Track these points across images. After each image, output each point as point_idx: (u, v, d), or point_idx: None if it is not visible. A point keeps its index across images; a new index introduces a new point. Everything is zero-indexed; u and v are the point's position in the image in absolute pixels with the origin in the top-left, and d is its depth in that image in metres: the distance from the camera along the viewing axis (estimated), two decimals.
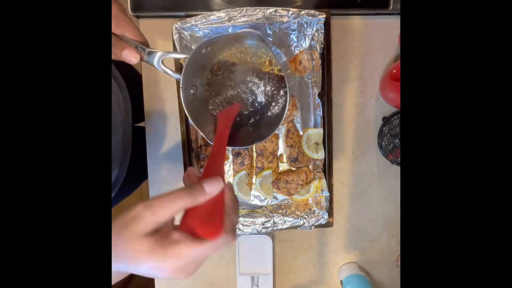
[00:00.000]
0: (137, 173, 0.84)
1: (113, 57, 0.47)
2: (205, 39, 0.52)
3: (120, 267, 0.34)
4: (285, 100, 0.55)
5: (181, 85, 0.51)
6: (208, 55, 0.55)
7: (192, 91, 0.54)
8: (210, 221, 0.34)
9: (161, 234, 0.34)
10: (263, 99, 0.59)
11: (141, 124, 0.82)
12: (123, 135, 0.75)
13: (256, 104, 0.60)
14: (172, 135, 0.73)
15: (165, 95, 0.72)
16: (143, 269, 0.34)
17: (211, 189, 0.35)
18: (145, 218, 0.33)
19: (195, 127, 0.53)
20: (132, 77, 0.87)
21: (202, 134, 0.53)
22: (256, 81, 0.59)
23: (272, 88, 0.60)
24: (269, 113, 0.59)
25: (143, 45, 0.48)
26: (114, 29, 0.45)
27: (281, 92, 0.60)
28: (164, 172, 0.74)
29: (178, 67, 0.65)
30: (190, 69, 0.51)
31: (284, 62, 0.65)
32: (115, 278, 0.36)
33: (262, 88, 0.58)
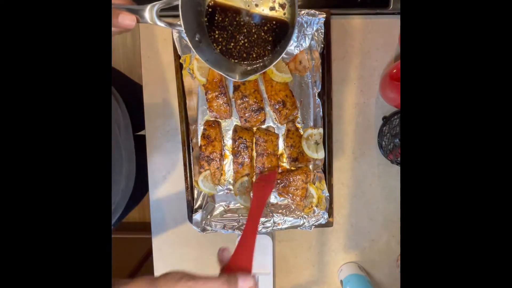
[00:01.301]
0: (140, 186, 0.82)
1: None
2: None
3: None
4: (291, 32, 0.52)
5: (185, 34, 0.49)
6: None
7: (196, 39, 0.52)
8: None
9: None
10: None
11: (142, 132, 0.80)
12: (125, 148, 0.75)
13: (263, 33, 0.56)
14: (172, 135, 0.73)
15: (165, 94, 0.72)
16: None
17: (244, 285, 0.42)
18: None
19: (215, 69, 0.52)
20: (130, 88, 0.85)
21: (224, 74, 0.52)
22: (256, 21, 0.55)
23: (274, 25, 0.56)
24: (278, 47, 0.55)
25: (132, 6, 0.45)
26: None
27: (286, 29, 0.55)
28: (165, 172, 0.74)
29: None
30: (187, 15, 0.49)
31: None
32: None
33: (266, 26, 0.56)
